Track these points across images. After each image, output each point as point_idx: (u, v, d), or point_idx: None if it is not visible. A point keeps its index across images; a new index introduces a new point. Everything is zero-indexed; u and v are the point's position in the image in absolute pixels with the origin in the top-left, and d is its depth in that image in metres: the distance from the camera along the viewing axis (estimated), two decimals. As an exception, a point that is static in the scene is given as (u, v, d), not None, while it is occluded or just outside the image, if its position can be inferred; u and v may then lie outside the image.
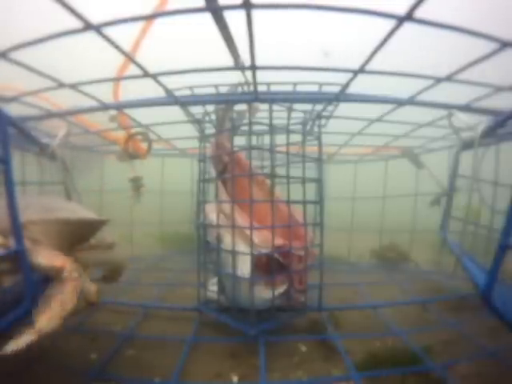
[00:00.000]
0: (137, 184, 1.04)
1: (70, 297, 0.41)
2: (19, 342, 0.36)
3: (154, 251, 1.41)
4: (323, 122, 0.73)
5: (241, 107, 0.72)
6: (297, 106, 0.67)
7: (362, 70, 0.49)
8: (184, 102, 0.64)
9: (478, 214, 0.89)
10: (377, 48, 0.43)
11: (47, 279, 0.55)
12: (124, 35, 0.48)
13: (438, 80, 0.54)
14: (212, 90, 0.64)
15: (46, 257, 0.42)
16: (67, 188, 0.78)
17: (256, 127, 0.69)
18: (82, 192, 0.81)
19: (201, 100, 0.64)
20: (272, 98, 0.61)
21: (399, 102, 0.64)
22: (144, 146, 0.95)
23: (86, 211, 0.54)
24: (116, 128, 0.87)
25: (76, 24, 0.37)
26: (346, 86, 0.56)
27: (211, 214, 0.68)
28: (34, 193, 0.80)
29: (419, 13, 0.35)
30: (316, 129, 0.72)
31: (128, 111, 0.79)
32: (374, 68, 0.49)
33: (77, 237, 0.54)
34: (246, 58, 0.48)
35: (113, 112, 0.79)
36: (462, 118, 0.69)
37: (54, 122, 0.79)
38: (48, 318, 0.39)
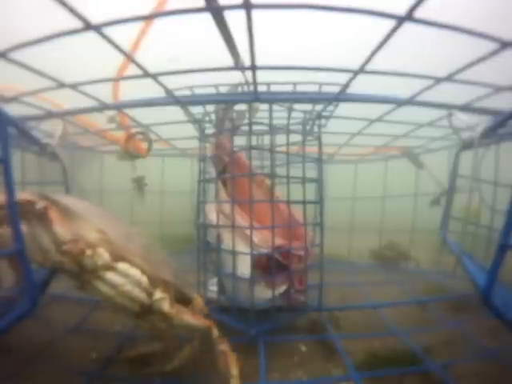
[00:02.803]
0: (140, 184, 1.04)
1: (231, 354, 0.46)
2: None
3: (153, 251, 1.40)
4: (323, 122, 0.73)
5: (241, 107, 0.72)
6: (297, 105, 0.67)
7: (361, 70, 0.49)
8: (184, 102, 0.64)
9: (477, 214, 0.89)
10: (377, 48, 0.43)
11: (47, 281, 0.55)
12: (124, 35, 0.48)
13: (438, 80, 0.53)
14: (212, 90, 0.64)
15: (191, 317, 0.46)
16: (67, 188, 0.78)
17: (256, 127, 0.69)
18: (82, 191, 0.81)
19: (201, 100, 0.64)
20: (272, 98, 0.61)
21: (399, 102, 0.64)
22: (144, 145, 0.96)
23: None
24: (115, 128, 0.87)
25: (76, 24, 0.37)
26: (346, 86, 0.56)
27: (211, 214, 0.68)
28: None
29: (419, 13, 0.35)
30: (316, 129, 0.72)
31: (128, 111, 0.79)
32: (374, 68, 0.49)
33: None
34: (246, 58, 0.48)
35: (110, 113, 0.79)
36: (462, 118, 0.69)
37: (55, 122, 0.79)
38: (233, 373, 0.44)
